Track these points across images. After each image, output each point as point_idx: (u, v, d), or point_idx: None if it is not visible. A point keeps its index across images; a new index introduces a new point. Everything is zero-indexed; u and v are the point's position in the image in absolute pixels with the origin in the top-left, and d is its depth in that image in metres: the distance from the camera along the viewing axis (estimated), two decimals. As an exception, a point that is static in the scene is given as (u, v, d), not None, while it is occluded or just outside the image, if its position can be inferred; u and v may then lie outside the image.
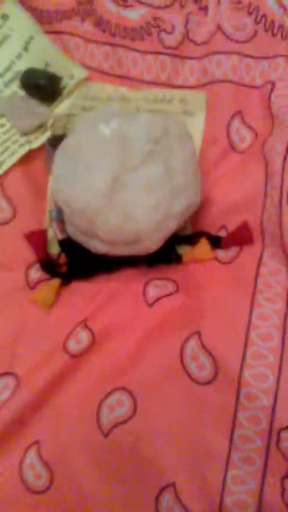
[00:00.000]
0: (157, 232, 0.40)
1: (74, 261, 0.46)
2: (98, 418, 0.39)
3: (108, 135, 0.39)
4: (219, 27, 0.46)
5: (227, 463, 0.37)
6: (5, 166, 0.47)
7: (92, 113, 0.44)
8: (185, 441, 0.38)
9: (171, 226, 0.40)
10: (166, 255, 0.45)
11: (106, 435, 0.38)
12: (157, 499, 0.37)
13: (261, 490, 0.36)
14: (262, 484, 0.36)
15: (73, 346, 0.40)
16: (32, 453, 0.39)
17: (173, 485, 0.37)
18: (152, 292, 0.43)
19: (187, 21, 0.47)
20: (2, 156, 0.48)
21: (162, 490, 0.37)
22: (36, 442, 0.39)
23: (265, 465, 0.36)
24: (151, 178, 0.39)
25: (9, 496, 0.38)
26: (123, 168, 0.39)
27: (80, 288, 0.44)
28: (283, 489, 0.35)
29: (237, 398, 0.37)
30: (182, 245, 0.45)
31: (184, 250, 0.45)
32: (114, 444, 0.38)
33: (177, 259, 0.45)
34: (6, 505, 0.38)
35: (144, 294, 0.43)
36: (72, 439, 0.39)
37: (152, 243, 0.40)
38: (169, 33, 0.47)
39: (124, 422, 0.38)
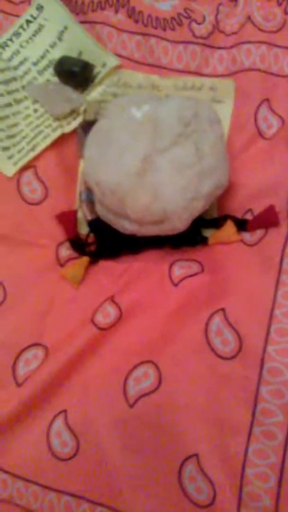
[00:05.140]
0: (185, 212, 0.41)
1: (102, 241, 0.47)
2: (125, 389, 0.40)
3: (140, 118, 0.41)
4: (248, 18, 0.47)
5: (249, 436, 0.38)
6: (38, 149, 0.49)
7: (123, 98, 0.45)
8: (208, 414, 0.39)
9: (199, 206, 0.41)
10: (192, 237, 0.46)
11: (131, 406, 0.39)
12: (180, 469, 0.38)
13: (283, 463, 0.36)
14: (284, 458, 0.37)
15: (101, 319, 0.41)
16: (59, 421, 0.40)
17: (196, 455, 0.38)
18: (178, 272, 0.44)
19: (217, 12, 0.48)
20: (35, 140, 0.50)
21: (185, 460, 0.38)
22: (64, 411, 0.40)
23: (287, 439, 0.37)
24: (181, 159, 0.40)
25: (36, 463, 0.40)
26: (154, 149, 0.40)
27: (108, 267, 0.46)
28: (304, 463, 0.36)
29: (260, 373, 0.38)
30: (208, 228, 0.46)
31: (209, 233, 0.46)
32: (139, 415, 0.39)
33: (203, 241, 0.46)
34: (33, 472, 0.40)
35: (169, 274, 0.44)
36: (98, 409, 0.40)
37: (179, 223, 0.42)
38: (200, 23, 0.49)
39: (149, 394, 0.39)
